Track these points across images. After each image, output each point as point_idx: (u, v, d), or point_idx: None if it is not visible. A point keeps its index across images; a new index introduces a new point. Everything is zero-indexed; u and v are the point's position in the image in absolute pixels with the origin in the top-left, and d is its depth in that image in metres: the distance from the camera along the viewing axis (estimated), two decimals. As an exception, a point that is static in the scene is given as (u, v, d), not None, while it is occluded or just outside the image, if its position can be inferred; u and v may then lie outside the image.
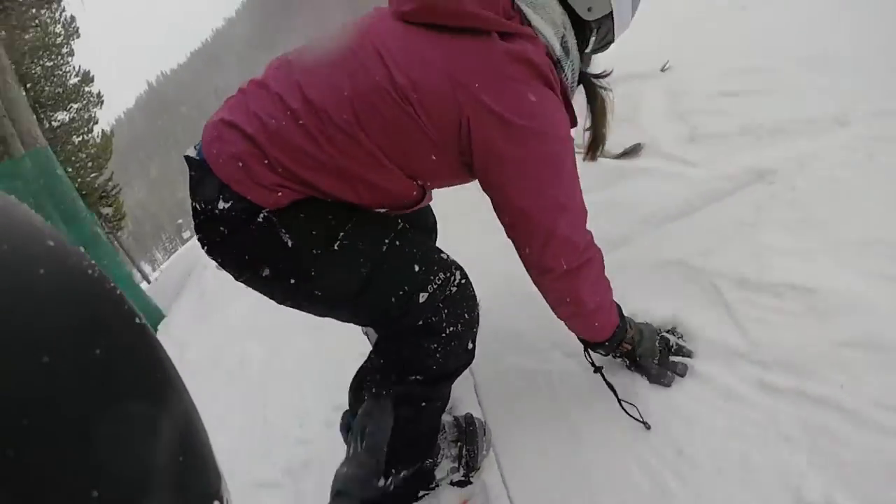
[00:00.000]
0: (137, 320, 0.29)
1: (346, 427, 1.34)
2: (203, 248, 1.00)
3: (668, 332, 1.35)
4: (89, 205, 12.35)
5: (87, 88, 15.46)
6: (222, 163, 0.91)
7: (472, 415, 1.35)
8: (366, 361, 1.30)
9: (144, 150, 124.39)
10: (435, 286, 1.00)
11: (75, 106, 15.11)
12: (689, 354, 1.30)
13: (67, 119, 14.99)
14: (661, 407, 1.23)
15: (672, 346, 1.30)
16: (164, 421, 0.28)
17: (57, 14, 15.18)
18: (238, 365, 2.43)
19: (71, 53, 15.58)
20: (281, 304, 1.04)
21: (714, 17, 3.03)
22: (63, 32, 15.47)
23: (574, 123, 1.05)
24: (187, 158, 0.97)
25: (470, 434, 1.29)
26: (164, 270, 6.46)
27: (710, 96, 2.24)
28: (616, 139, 2.10)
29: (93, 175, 14.41)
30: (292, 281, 0.96)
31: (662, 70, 2.65)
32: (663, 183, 1.89)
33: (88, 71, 15.76)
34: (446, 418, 1.31)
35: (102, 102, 15.79)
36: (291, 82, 0.93)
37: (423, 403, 1.10)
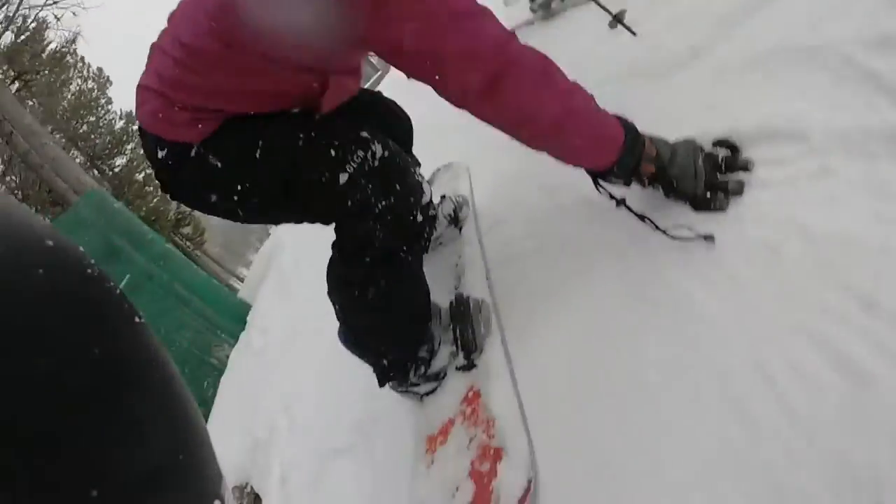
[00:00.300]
0: (137, 319, 0.29)
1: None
2: (169, 197, 1.09)
3: (717, 143, 1.04)
4: (167, 229, 13.14)
5: (133, 127, 16.03)
6: (148, 121, 1.01)
7: (462, 293, 1.26)
8: (329, 263, 1.20)
9: None
10: (354, 165, 0.99)
11: (129, 146, 15.82)
12: (744, 167, 0.99)
13: (125, 161, 15.79)
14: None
15: (722, 161, 1.00)
16: (164, 421, 0.28)
17: (85, 71, 15.74)
18: (314, 336, 2.24)
19: (110, 102, 16.30)
20: (245, 223, 1.12)
21: None
22: (95, 86, 16.08)
23: None
24: (140, 131, 1.06)
25: (461, 314, 1.21)
26: (252, 266, 6.70)
27: None
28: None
29: (163, 201, 15.22)
30: (235, 198, 1.01)
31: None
32: None
33: (132, 111, 16.68)
34: (441, 304, 1.27)
35: None
36: (171, 36, 0.99)
37: (384, 283, 1.09)
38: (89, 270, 0.28)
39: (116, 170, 15.61)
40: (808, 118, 0.94)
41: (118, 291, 0.29)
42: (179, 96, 0.97)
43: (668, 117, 1.15)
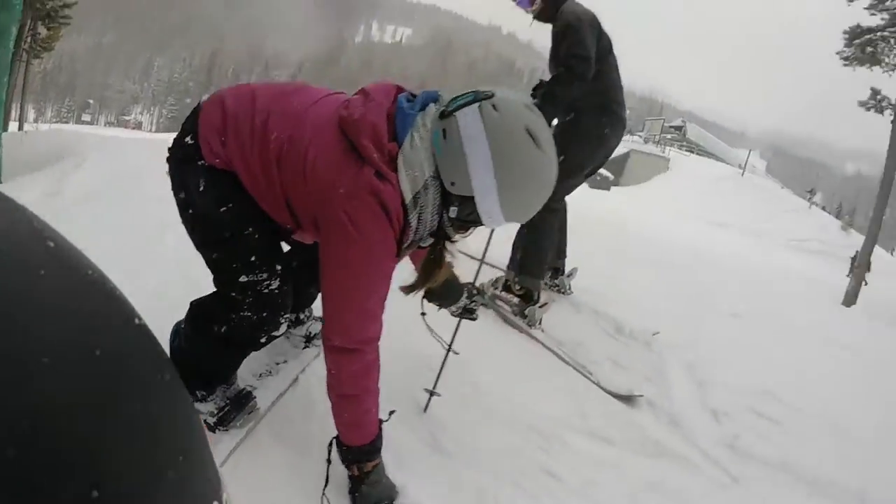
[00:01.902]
0: (137, 321, 0.30)
1: None
2: (167, 159, 1.35)
3: None
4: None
5: None
6: (203, 119, 1.30)
7: (249, 391, 1.56)
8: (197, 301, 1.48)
9: (116, 13, 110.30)
10: (256, 278, 1.31)
11: None
12: None
13: None
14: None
15: None
16: (164, 421, 0.28)
17: None
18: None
19: None
20: (181, 220, 1.35)
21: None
22: None
23: (396, 256, 1.26)
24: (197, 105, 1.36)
25: (238, 401, 1.52)
26: (36, 135, 5.67)
27: (743, 409, 2.14)
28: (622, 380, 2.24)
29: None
30: (190, 211, 1.32)
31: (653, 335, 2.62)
32: (707, 485, 1.72)
33: None
34: (239, 385, 1.57)
35: None
36: (264, 112, 1.28)
37: (200, 339, 1.42)
38: (89, 271, 0.30)
39: None
40: None
41: (118, 293, 0.30)
42: (230, 139, 1.27)
43: None
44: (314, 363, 1.81)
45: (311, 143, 1.22)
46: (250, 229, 1.30)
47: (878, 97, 8.93)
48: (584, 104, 2.40)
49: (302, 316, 1.90)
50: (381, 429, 1.36)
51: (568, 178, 2.35)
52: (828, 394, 2.38)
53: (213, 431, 1.47)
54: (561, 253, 2.86)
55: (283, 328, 1.42)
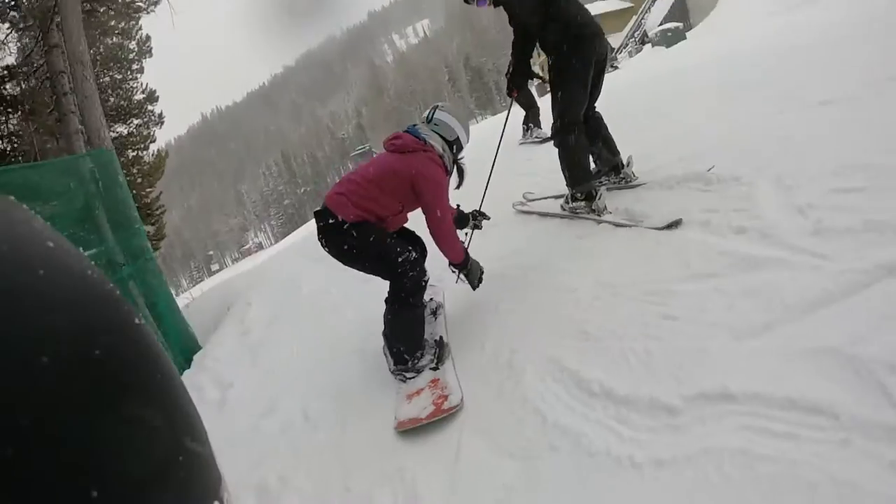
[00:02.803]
0: (137, 321, 0.30)
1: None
2: (322, 244, 2.51)
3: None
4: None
5: (149, 107, 15.30)
6: (334, 205, 2.44)
7: (442, 338, 2.66)
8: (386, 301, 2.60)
9: (188, 177, 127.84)
10: (403, 257, 2.43)
11: (136, 121, 15.07)
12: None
13: (126, 133, 14.97)
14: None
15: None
16: (164, 421, 0.29)
17: (134, 31, 15.41)
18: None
19: (141, 71, 15.67)
20: (352, 264, 2.55)
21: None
22: (137, 49, 15.71)
23: (448, 175, 2.64)
24: (316, 212, 2.52)
25: (442, 345, 2.60)
26: (198, 299, 6.16)
27: (825, 192, 2.25)
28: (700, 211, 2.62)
29: (144, 191, 14.61)
30: (354, 251, 2.44)
31: (708, 171, 2.88)
32: (798, 273, 1.87)
33: (154, 91, 15.61)
34: (431, 340, 2.64)
35: (163, 123, 15.70)
36: (355, 175, 2.57)
37: (405, 307, 2.50)
38: (89, 272, 0.29)
39: (113, 135, 14.86)
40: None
41: (117, 293, 0.30)
42: (354, 200, 2.43)
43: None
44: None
45: (389, 168, 2.51)
46: (389, 239, 2.45)
47: None
48: (557, 39, 2.89)
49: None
50: (466, 251, 2.68)
51: (572, 102, 2.95)
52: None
53: (437, 369, 2.48)
54: (613, 152, 3.23)
55: (427, 274, 2.54)
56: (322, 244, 2.46)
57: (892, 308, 1.55)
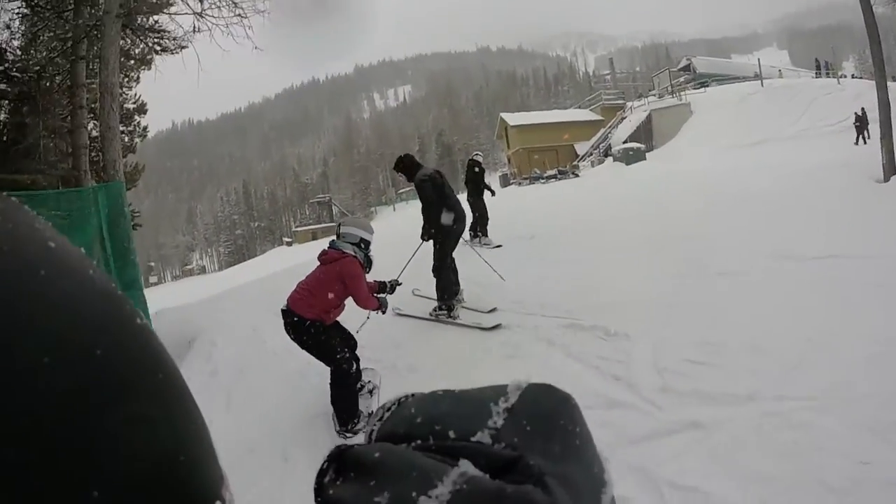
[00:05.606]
0: (139, 321, 0.29)
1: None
2: (287, 333, 3.59)
3: None
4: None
5: (137, 118, 14.73)
6: (296, 307, 3.53)
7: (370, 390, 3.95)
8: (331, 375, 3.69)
9: (144, 181, 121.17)
10: (340, 354, 3.52)
11: (122, 130, 14.62)
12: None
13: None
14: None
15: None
16: (166, 421, 0.28)
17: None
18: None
19: (137, 80, 15.02)
20: (306, 350, 3.58)
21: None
22: (140, 58, 15.22)
23: (364, 267, 3.72)
24: (283, 310, 3.58)
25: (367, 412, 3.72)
26: (155, 321, 6.00)
27: (680, 361, 3.19)
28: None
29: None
30: (309, 343, 3.55)
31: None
32: (640, 415, 2.78)
33: (145, 103, 15.07)
34: (366, 412, 3.62)
35: (145, 136, 15.05)
36: (306, 284, 3.66)
37: (342, 386, 3.53)
38: (91, 272, 0.28)
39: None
40: None
41: (119, 293, 0.29)
42: (309, 303, 3.53)
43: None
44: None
45: (326, 274, 3.57)
46: (333, 341, 3.55)
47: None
48: (436, 215, 4.80)
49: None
50: (377, 301, 3.82)
51: (444, 250, 4.85)
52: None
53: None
54: (457, 283, 5.05)
55: (356, 364, 3.61)
56: (287, 333, 3.58)
57: (686, 447, 2.47)
